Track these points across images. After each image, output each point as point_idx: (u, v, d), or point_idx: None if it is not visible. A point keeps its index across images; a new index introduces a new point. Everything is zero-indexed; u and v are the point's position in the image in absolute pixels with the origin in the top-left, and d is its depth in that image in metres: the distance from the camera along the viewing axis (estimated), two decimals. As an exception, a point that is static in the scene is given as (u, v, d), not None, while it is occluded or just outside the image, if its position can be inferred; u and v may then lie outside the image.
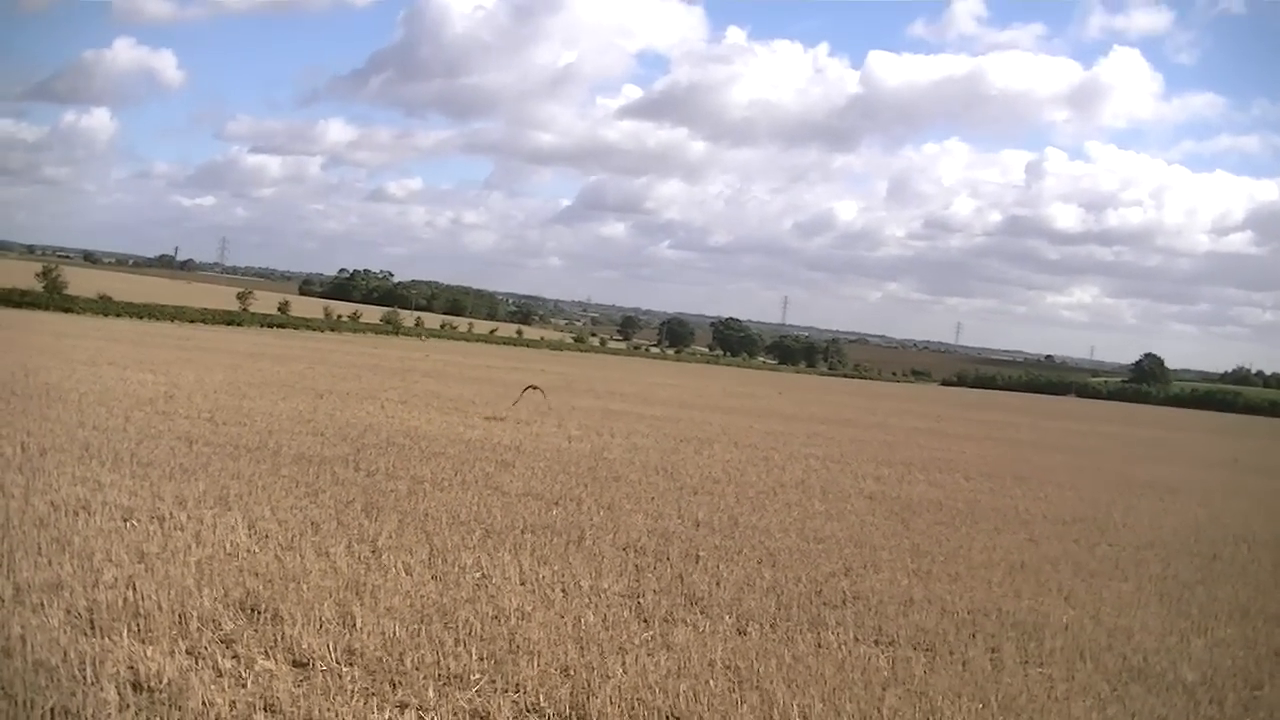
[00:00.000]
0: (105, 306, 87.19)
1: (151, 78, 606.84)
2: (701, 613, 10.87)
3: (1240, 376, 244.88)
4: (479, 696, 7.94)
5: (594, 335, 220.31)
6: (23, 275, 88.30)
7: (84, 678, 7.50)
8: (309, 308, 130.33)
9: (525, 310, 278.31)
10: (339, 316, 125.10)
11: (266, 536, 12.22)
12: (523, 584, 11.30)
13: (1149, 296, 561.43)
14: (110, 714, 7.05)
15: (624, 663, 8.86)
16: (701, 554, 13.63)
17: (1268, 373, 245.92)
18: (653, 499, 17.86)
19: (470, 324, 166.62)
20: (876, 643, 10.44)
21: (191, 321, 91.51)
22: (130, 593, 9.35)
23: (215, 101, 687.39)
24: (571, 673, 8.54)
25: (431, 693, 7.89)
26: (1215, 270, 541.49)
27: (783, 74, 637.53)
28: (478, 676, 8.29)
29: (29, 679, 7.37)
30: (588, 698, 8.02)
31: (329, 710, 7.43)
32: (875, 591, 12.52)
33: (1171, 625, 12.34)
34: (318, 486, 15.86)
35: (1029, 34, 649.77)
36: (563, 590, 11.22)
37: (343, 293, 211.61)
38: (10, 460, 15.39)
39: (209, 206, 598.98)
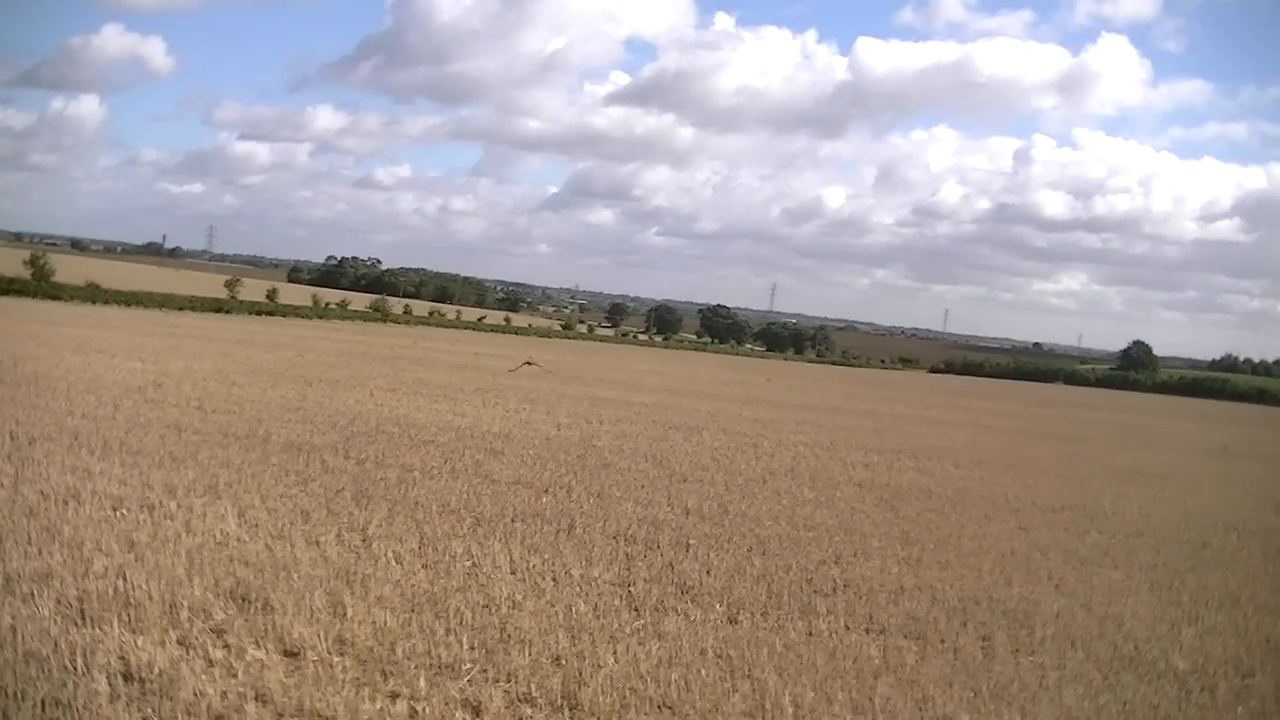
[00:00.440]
0: (93, 294, 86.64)
1: (140, 64, 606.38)
2: (692, 601, 10.88)
3: (1228, 364, 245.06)
4: (470, 686, 7.93)
5: (582, 322, 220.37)
6: (10, 263, 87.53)
7: (75, 668, 7.48)
8: (297, 295, 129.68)
9: (513, 297, 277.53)
10: (327, 304, 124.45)
11: (256, 525, 12.20)
12: (513, 573, 11.30)
13: (1137, 284, 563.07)
14: (101, 704, 7.03)
15: (615, 652, 8.87)
16: (692, 542, 13.64)
17: (1255, 360, 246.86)
18: (642, 487, 17.86)
19: (458, 311, 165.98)
20: (868, 631, 10.46)
21: (180, 309, 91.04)
22: (121, 582, 9.33)
23: (204, 88, 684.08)
24: (563, 662, 8.55)
25: (423, 682, 7.89)
26: (1203, 257, 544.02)
27: (771, 61, 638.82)
28: (469, 666, 8.28)
29: (19, 669, 7.36)
30: (579, 687, 8.02)
31: (320, 700, 7.42)
32: (866, 579, 12.54)
33: (1162, 613, 12.39)
34: (307, 475, 15.83)
35: (1017, 20, 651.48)
36: (553, 579, 11.22)
37: (331, 280, 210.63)
38: (-2, 449, 15.33)
39: (197, 194, 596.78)
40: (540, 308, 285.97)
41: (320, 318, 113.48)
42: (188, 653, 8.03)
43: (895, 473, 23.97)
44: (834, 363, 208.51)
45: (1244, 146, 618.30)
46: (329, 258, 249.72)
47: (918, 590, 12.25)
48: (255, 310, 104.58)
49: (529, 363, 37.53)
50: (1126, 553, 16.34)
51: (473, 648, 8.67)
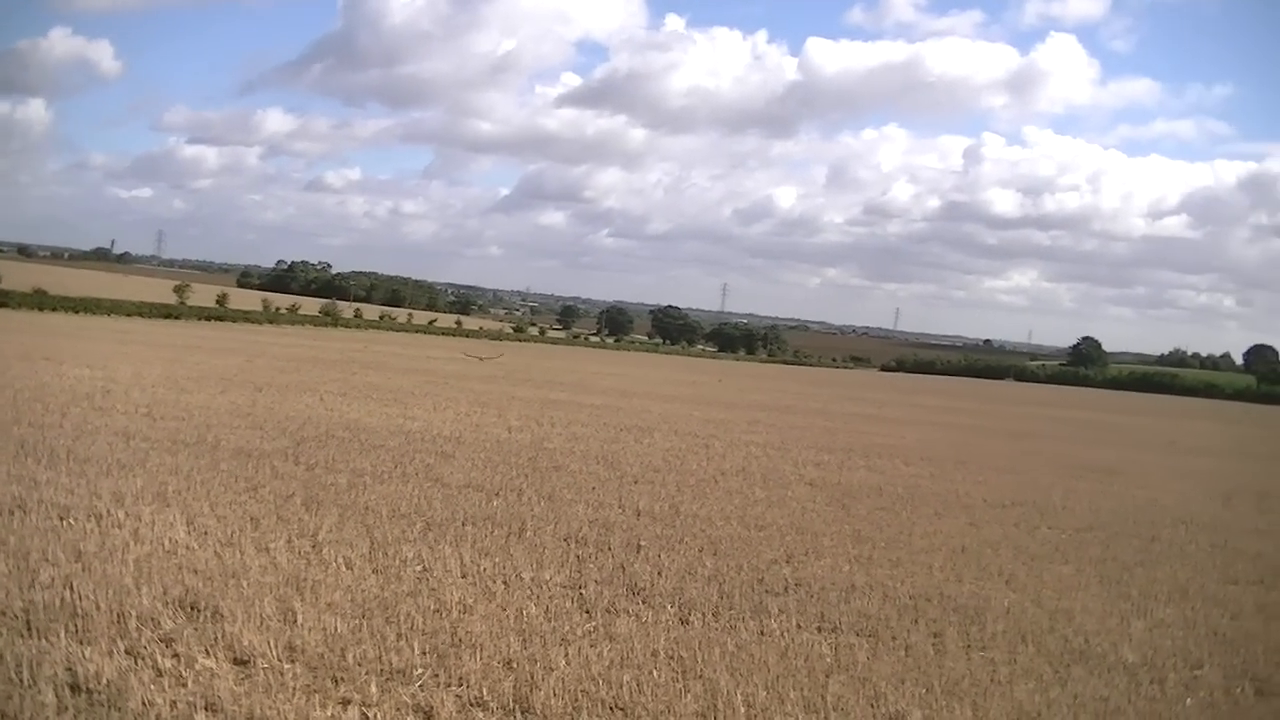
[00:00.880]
0: (40, 301, 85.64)
1: (88, 68, 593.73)
2: (644, 603, 10.88)
3: (1177, 359, 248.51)
4: (422, 691, 7.91)
5: (533, 324, 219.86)
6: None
7: (20, 680, 7.39)
8: (247, 300, 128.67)
9: (464, 300, 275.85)
10: (277, 309, 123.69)
11: (205, 533, 12.09)
12: (464, 577, 11.27)
13: (1086, 280, 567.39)
14: (48, 717, 6.96)
15: (567, 654, 8.86)
16: (643, 543, 13.64)
17: (1204, 354, 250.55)
18: (594, 489, 17.85)
19: (410, 314, 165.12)
20: (819, 629, 10.51)
21: (129, 315, 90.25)
22: (67, 592, 9.22)
23: (153, 92, 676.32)
24: (515, 665, 8.53)
25: (374, 688, 7.85)
26: (1151, 254, 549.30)
27: (722, 61, 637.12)
28: (421, 671, 8.25)
29: (-37, 683, 7.26)
30: (531, 690, 8.01)
31: (271, 708, 7.37)
32: (817, 578, 12.60)
33: (1112, 607, 12.51)
34: (257, 481, 15.71)
35: (967, 20, 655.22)
36: (504, 582, 11.19)
37: (281, 284, 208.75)
38: (-59, 459, 15.13)
39: (146, 198, 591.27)
40: (492, 310, 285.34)
41: (271, 322, 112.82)
42: (136, 663, 7.94)
43: (847, 471, 24.08)
44: (786, 362, 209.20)
45: (1191, 144, 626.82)
46: (279, 262, 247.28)
47: (869, 588, 12.31)
48: (205, 315, 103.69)
49: (484, 358, 37.48)
50: (1077, 547, 16.50)
51: (424, 652, 8.64)
